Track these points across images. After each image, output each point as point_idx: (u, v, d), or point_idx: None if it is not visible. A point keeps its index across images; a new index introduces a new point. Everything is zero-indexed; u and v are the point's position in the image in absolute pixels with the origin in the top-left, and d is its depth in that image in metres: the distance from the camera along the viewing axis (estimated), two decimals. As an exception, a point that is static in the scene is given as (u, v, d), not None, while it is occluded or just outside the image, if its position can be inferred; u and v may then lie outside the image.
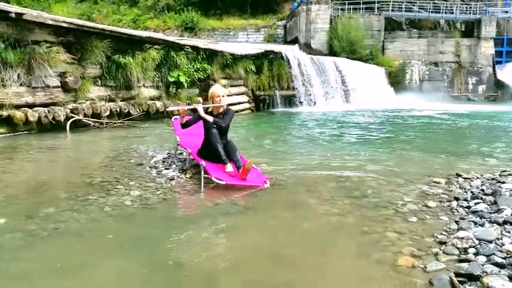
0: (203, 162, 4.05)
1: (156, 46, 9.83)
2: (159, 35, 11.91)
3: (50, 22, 7.56)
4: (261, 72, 14.04)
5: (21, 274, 2.25)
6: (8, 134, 7.03)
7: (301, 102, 14.77)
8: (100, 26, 8.91)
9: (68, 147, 6.63)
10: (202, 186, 3.86)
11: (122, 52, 9.13)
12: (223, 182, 3.84)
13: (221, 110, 4.49)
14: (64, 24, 7.81)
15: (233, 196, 3.71)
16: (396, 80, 20.61)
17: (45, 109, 7.48)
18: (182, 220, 3.18)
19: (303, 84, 14.84)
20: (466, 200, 3.43)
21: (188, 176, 4.28)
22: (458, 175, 4.21)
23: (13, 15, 6.93)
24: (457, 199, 3.46)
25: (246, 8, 25.39)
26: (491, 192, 3.50)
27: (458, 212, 3.18)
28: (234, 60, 12.49)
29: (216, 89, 4.58)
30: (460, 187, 3.84)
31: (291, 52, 15.69)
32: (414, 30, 23.24)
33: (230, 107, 4.83)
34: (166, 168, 4.56)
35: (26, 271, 2.28)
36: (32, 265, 2.35)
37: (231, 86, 12.58)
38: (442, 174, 4.34)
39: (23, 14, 7.12)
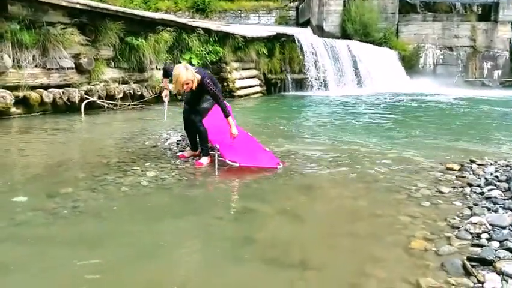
0: (217, 145, 4.10)
1: (168, 28, 9.81)
2: (171, 17, 11.83)
3: (64, 3, 7.56)
4: (273, 55, 13.93)
5: (44, 250, 2.34)
6: (24, 115, 7.15)
7: (313, 86, 14.66)
8: (113, 8, 8.89)
9: (83, 129, 6.73)
10: (216, 168, 3.91)
11: (135, 34, 9.13)
12: (237, 164, 3.89)
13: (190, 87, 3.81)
14: (78, 6, 7.81)
15: (247, 179, 3.78)
16: (410, 64, 20.29)
17: (60, 90, 7.56)
18: (198, 200, 3.25)
19: (316, 68, 14.71)
20: (479, 186, 3.43)
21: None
22: (472, 161, 4.19)
23: (28, -5, 6.97)
24: (470, 185, 3.47)
25: (257, -10, 25.04)
26: (505, 179, 3.49)
27: (471, 197, 3.19)
28: (246, 43, 12.40)
29: (180, 73, 3.68)
30: (473, 173, 3.83)
31: (304, 35, 15.51)
32: (429, 13, 22.74)
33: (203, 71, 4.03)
34: (180, 150, 4.62)
35: (48, 247, 2.37)
36: (54, 242, 2.44)
37: (243, 69, 12.54)
38: (456, 160, 4.33)
39: (38, -6, 7.15)
